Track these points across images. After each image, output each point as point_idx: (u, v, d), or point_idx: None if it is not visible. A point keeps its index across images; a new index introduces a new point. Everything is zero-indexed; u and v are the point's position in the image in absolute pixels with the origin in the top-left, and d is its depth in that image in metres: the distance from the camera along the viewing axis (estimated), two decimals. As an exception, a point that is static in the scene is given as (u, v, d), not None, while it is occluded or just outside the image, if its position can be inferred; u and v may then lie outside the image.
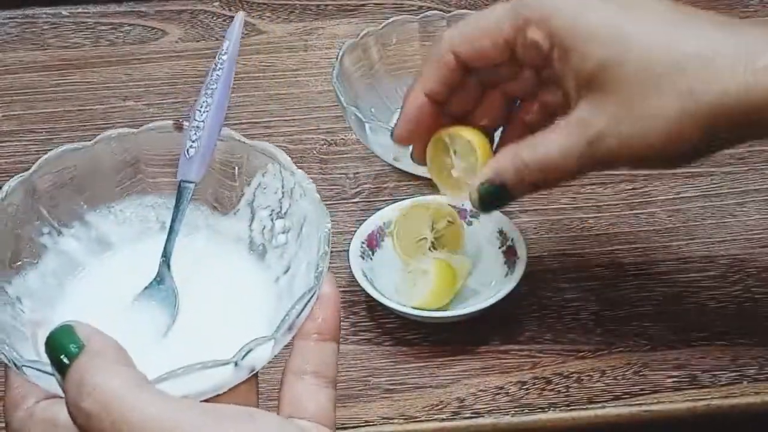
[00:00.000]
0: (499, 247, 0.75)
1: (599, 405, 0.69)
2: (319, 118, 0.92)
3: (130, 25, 1.04)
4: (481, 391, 0.70)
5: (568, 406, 0.69)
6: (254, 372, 0.42)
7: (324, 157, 0.88)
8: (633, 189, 0.83)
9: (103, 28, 1.03)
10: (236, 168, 0.50)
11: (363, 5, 1.04)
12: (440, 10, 0.89)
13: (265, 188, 0.50)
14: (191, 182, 0.48)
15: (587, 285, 0.76)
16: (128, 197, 0.51)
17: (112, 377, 0.36)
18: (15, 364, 0.40)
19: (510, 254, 0.74)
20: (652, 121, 0.50)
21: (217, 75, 0.50)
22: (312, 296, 0.42)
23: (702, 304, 0.74)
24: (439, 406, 0.69)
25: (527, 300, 0.75)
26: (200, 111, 0.49)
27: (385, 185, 0.85)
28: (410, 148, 0.62)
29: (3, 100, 0.96)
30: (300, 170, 0.48)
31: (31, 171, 0.48)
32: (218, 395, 0.41)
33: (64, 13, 1.05)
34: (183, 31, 1.02)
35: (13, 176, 0.87)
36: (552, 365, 0.71)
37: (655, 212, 0.81)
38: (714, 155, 0.55)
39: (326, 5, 1.04)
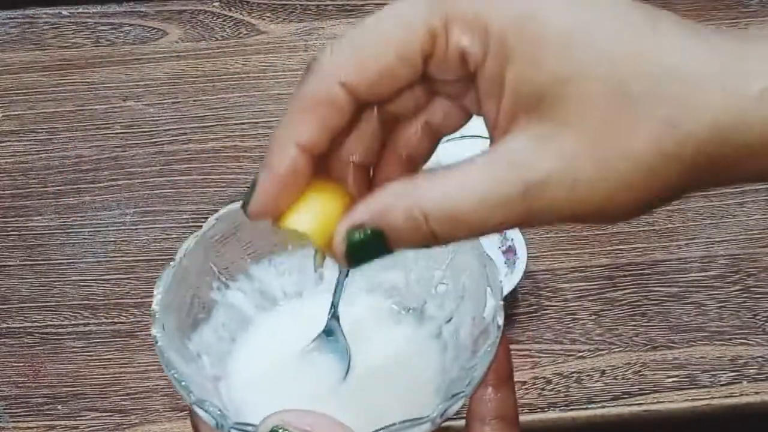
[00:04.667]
0: (499, 247, 0.75)
1: (599, 405, 0.69)
2: (319, 118, 0.92)
3: (130, 25, 1.04)
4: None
5: (567, 405, 0.69)
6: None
7: (324, 157, 0.88)
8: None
9: (104, 28, 1.03)
10: None
11: (363, 5, 1.04)
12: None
13: None
14: None
15: (587, 285, 0.76)
16: (286, 250, 0.51)
17: None
18: (222, 426, 0.41)
19: (510, 254, 0.74)
20: (619, 163, 0.37)
21: None
22: (495, 350, 0.43)
23: (701, 304, 0.75)
24: (439, 406, 0.69)
25: (527, 300, 0.75)
26: None
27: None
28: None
29: (3, 100, 0.96)
30: None
31: (204, 229, 0.48)
32: None
33: (65, 13, 1.05)
34: (183, 31, 1.02)
35: (12, 175, 0.87)
36: (552, 365, 0.71)
37: (655, 212, 0.81)
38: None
39: (326, 6, 1.04)
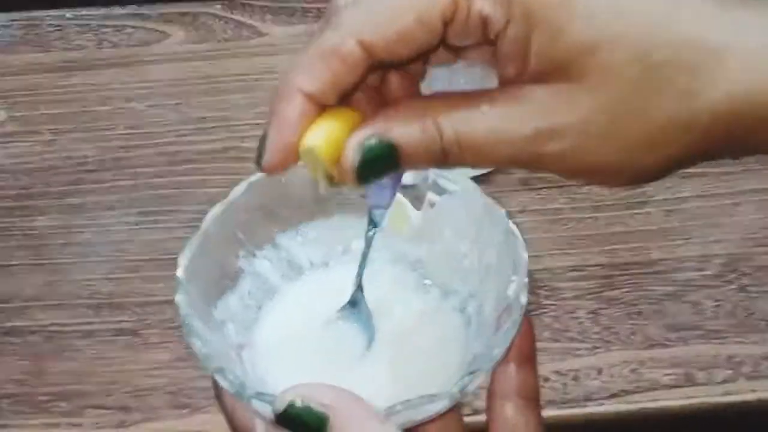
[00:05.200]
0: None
1: (596, 403, 0.69)
2: (319, 120, 0.92)
3: (133, 27, 1.04)
4: (479, 388, 0.70)
5: (565, 403, 0.69)
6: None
7: (325, 157, 0.88)
8: (629, 189, 0.83)
9: (107, 30, 1.04)
10: (419, 191, 0.50)
11: (363, 7, 1.05)
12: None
13: (449, 212, 0.49)
14: (383, 208, 0.47)
15: (584, 284, 0.77)
16: (314, 219, 0.51)
17: None
18: (242, 395, 0.41)
19: (508, 254, 0.74)
20: (633, 126, 0.38)
21: None
22: (518, 327, 0.43)
23: (698, 303, 0.75)
24: (438, 404, 0.70)
25: (525, 299, 0.75)
26: None
27: (385, 185, 0.85)
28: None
29: (7, 102, 0.96)
30: (489, 198, 0.48)
31: (231, 197, 0.48)
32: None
33: (68, 15, 1.05)
34: (185, 33, 1.03)
35: (16, 176, 0.88)
36: (549, 363, 0.72)
37: (652, 212, 0.82)
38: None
39: (327, 8, 1.04)
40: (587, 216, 0.81)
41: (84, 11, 1.06)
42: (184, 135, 0.92)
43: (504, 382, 0.44)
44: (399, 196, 0.49)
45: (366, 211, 0.47)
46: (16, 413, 0.72)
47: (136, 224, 0.84)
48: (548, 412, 0.69)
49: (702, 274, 0.77)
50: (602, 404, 0.69)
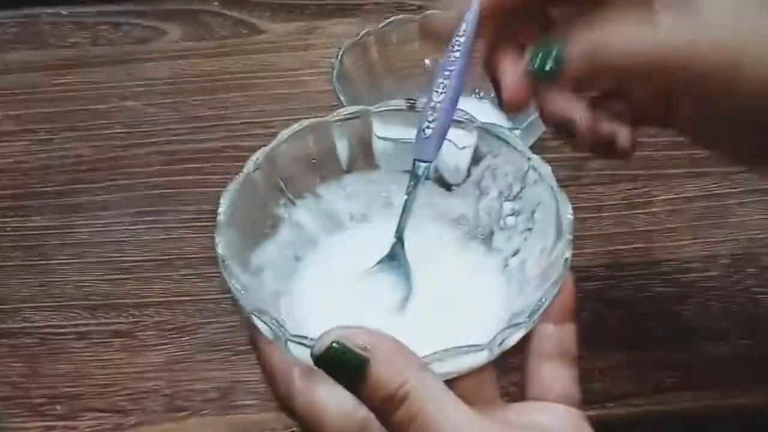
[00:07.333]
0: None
1: (599, 405, 0.69)
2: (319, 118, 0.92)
3: (129, 24, 1.03)
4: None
5: (568, 406, 0.69)
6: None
7: (324, 156, 0.88)
8: (633, 189, 0.83)
9: (103, 27, 1.03)
10: (466, 148, 0.51)
11: (363, 5, 1.04)
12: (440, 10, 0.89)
13: (494, 170, 0.50)
14: (427, 161, 0.48)
15: (587, 285, 0.76)
16: (355, 172, 0.52)
17: (419, 389, 0.37)
18: (279, 338, 0.41)
19: (510, 254, 0.74)
20: (744, 40, 0.46)
21: (455, 56, 0.49)
22: (561, 283, 0.43)
23: (703, 305, 0.74)
24: (439, 407, 0.69)
25: (527, 300, 0.75)
26: (437, 92, 0.49)
27: (385, 185, 0.85)
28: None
29: (2, 100, 0.96)
30: (536, 155, 0.48)
31: (273, 144, 0.49)
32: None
33: (64, 12, 1.05)
34: (183, 30, 1.02)
35: (11, 175, 0.87)
36: (552, 366, 0.71)
37: (656, 212, 0.81)
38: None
39: (326, 5, 1.04)
40: (590, 216, 0.81)
41: (80, 8, 1.05)
42: (182, 134, 0.91)
43: (542, 341, 0.44)
44: None
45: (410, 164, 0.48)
46: (10, 416, 0.71)
47: (133, 224, 0.83)
48: (551, 416, 0.68)
49: (707, 275, 0.76)
50: (605, 407, 0.69)
